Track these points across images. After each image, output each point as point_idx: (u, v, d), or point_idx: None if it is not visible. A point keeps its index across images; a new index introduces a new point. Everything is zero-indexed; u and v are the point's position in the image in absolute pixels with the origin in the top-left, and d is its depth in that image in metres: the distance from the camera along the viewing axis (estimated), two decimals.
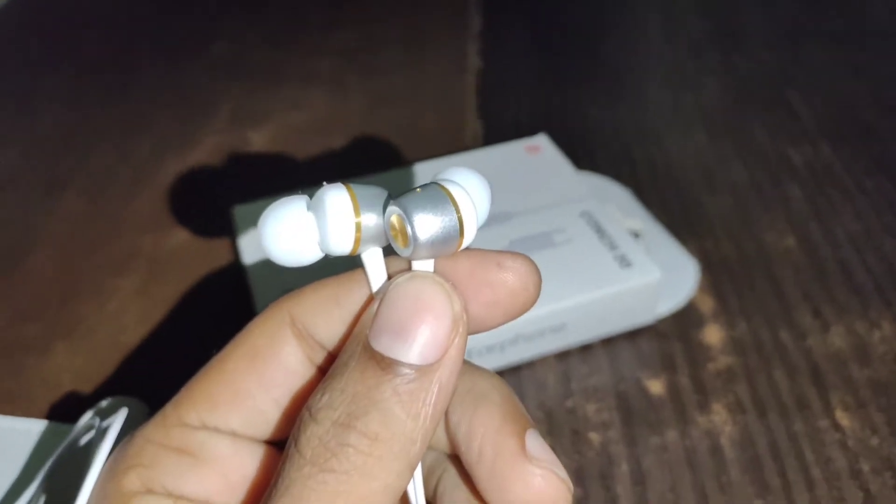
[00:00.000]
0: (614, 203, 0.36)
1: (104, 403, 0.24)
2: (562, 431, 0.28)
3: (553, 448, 0.28)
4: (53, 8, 0.62)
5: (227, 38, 0.55)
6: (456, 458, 0.18)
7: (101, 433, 0.18)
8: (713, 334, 0.32)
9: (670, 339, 0.32)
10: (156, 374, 0.31)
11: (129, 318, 0.33)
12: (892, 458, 0.27)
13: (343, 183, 0.15)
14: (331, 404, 0.14)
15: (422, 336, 0.14)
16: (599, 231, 0.32)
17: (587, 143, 0.43)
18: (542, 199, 0.34)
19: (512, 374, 0.31)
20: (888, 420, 0.29)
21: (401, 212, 0.14)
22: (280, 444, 0.17)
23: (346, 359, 0.15)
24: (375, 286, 0.16)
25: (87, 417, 0.23)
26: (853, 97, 0.46)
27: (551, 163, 0.36)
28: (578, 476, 0.27)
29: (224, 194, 0.40)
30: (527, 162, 0.36)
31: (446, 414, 0.17)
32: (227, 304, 0.34)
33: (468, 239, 0.15)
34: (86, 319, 0.33)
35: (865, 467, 0.27)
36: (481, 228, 0.15)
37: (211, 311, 0.33)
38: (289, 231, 0.14)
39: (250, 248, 0.32)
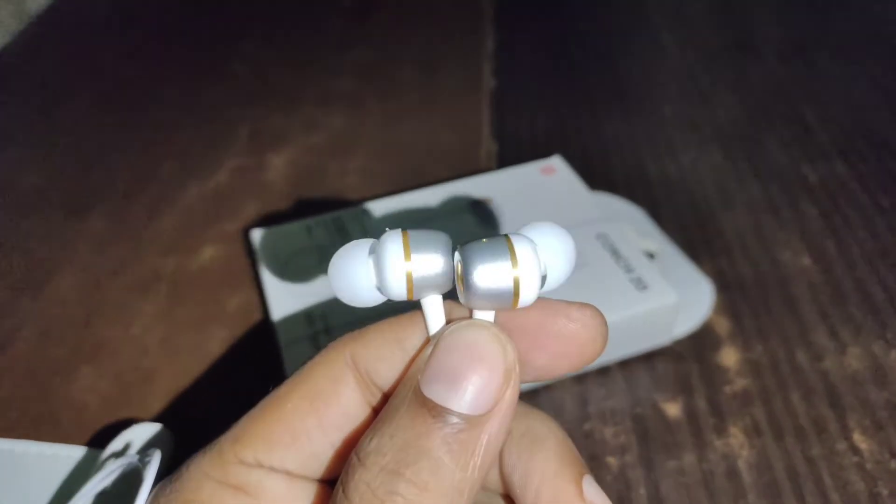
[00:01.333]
0: (629, 223, 0.37)
1: (131, 431, 0.25)
2: (580, 455, 0.29)
3: None
4: (73, 30, 0.63)
5: (245, 59, 0.56)
6: (508, 499, 0.18)
7: (136, 465, 0.19)
8: (729, 356, 0.32)
9: (687, 361, 0.32)
10: (177, 399, 0.31)
11: (151, 340, 0.34)
12: None
13: (402, 230, 0.15)
14: (379, 450, 0.14)
15: (473, 386, 0.14)
16: (615, 253, 0.32)
17: (602, 161, 0.43)
18: (557, 221, 0.34)
19: (530, 397, 0.31)
20: None
21: (460, 259, 0.14)
22: (332, 482, 0.17)
23: (397, 404, 0.15)
24: (433, 332, 0.16)
25: (116, 444, 0.23)
26: (869, 112, 0.46)
27: (566, 184, 0.36)
28: None
29: (245, 217, 0.41)
30: (542, 184, 0.37)
31: (501, 454, 0.17)
32: (247, 327, 0.34)
33: (525, 298, 0.15)
34: (110, 342, 0.34)
35: (884, 491, 0.27)
36: None
37: (232, 334, 0.34)
38: (350, 275, 0.15)
39: (270, 276, 0.33)
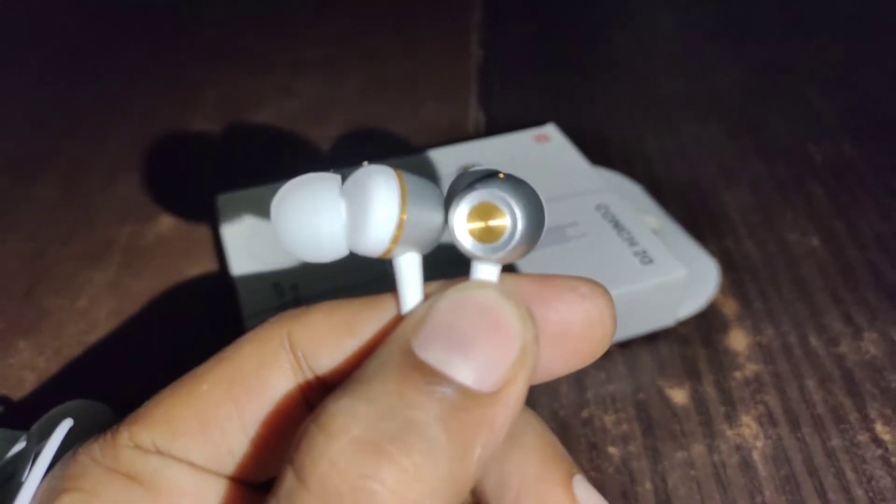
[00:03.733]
0: (627, 200, 0.34)
1: (58, 409, 0.21)
2: (578, 445, 0.26)
3: None
4: None
5: (215, 24, 0.53)
6: None
7: (35, 447, 0.15)
8: (738, 339, 0.29)
9: (692, 343, 0.29)
10: (126, 377, 0.28)
11: (99, 314, 0.30)
12: None
13: (393, 168, 0.12)
14: (353, 413, 0.11)
15: (483, 355, 0.11)
16: (617, 225, 0.29)
17: (597, 136, 0.41)
18: (553, 191, 0.31)
19: None
20: None
21: (502, 195, 0.11)
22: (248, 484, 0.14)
23: (379, 364, 0.12)
24: (407, 300, 0.13)
25: (42, 424, 0.20)
26: (874, 90, 0.44)
27: (561, 153, 0.34)
28: None
29: (209, 183, 0.37)
30: (536, 152, 0.34)
31: None
32: (207, 301, 0.31)
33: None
34: (53, 315, 0.30)
35: None
36: None
37: (189, 309, 0.31)
38: (314, 218, 0.12)
39: (234, 242, 0.30)
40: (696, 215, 0.35)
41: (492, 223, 0.12)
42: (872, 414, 0.27)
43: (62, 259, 0.33)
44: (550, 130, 0.35)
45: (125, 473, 0.13)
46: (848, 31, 0.50)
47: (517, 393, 0.12)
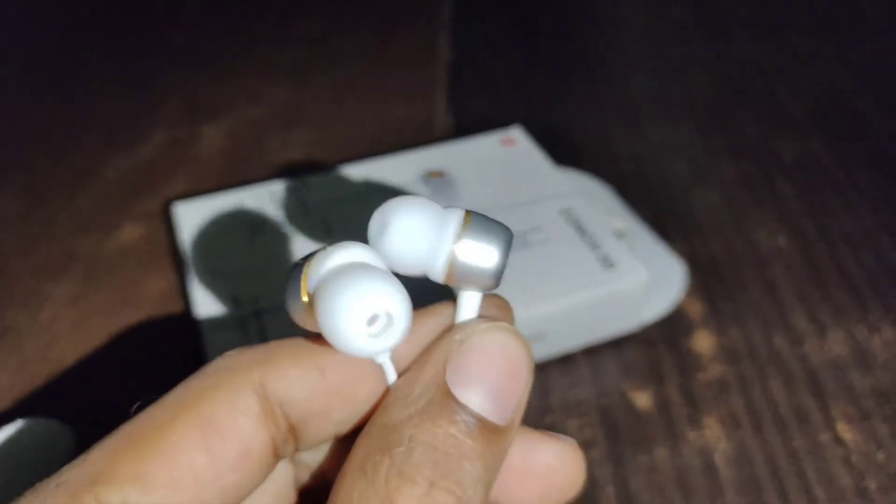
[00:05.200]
0: (595, 201, 0.34)
1: (12, 427, 0.21)
2: None
3: None
4: None
5: (182, 27, 0.52)
6: None
7: None
8: (703, 341, 0.29)
9: (657, 346, 0.29)
10: (87, 394, 0.28)
11: (61, 328, 0.30)
12: None
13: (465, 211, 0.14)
14: (419, 461, 0.12)
15: (512, 398, 0.13)
16: (580, 229, 0.29)
17: (566, 134, 0.40)
18: (517, 195, 0.31)
19: None
20: (893, 432, 0.26)
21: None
22: None
23: (420, 393, 0.13)
24: (464, 330, 0.14)
25: None
26: (842, 88, 0.44)
27: (527, 157, 0.33)
28: None
29: (172, 193, 0.37)
30: (500, 156, 0.33)
31: None
32: (168, 313, 0.30)
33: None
34: (14, 329, 0.30)
35: (872, 485, 0.25)
36: None
37: (150, 321, 0.30)
38: (422, 235, 0.13)
39: (192, 252, 0.29)
40: (664, 216, 0.35)
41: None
42: (835, 413, 0.27)
43: (23, 271, 0.33)
44: (517, 133, 0.35)
45: None
46: (818, 30, 0.50)
47: (520, 417, 0.14)
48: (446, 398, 0.13)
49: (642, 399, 0.27)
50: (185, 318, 0.30)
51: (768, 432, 0.26)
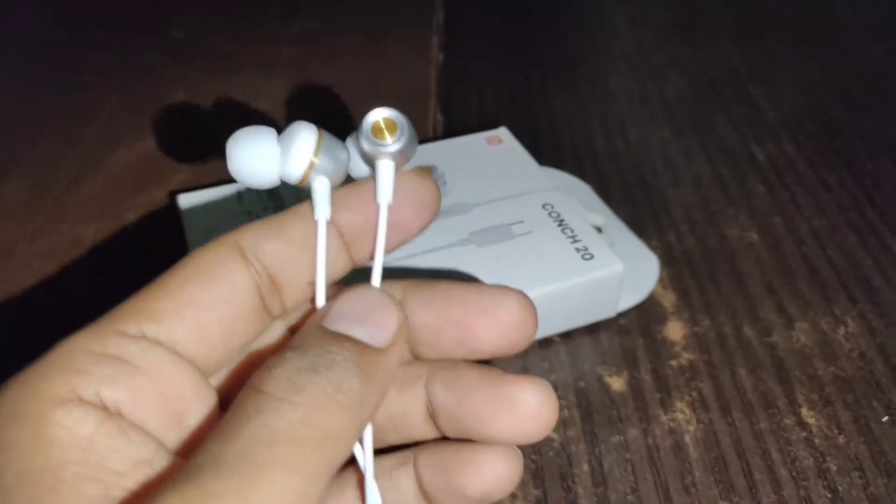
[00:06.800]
0: (576, 198, 0.35)
1: None
2: None
3: None
4: None
5: (184, 24, 0.53)
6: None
7: None
8: (675, 330, 0.31)
9: (631, 334, 0.31)
10: None
11: (67, 313, 0.31)
12: (860, 456, 0.27)
13: (316, 126, 0.17)
14: (293, 358, 0.14)
15: (374, 324, 0.16)
16: (561, 223, 0.31)
17: (550, 136, 0.42)
18: (502, 190, 0.33)
19: None
20: (854, 418, 0.28)
21: (391, 112, 0.17)
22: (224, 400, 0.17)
23: (302, 337, 0.15)
24: (320, 210, 0.17)
25: None
26: (816, 92, 0.46)
27: (512, 155, 0.35)
28: (538, 477, 0.26)
29: (175, 184, 0.38)
30: (487, 154, 0.35)
31: None
32: None
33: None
34: (16, 318, 0.31)
35: (833, 466, 0.26)
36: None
37: None
38: (257, 152, 0.16)
39: (196, 239, 0.31)
40: (640, 212, 0.37)
41: (387, 128, 0.17)
42: (800, 399, 0.29)
43: (30, 258, 0.34)
44: (502, 133, 0.36)
45: (112, 356, 0.14)
46: (798, 37, 0.52)
47: (400, 351, 0.16)
48: (320, 331, 0.15)
49: (617, 383, 0.29)
50: None
51: (736, 416, 0.28)
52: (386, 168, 0.17)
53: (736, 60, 0.49)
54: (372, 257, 0.17)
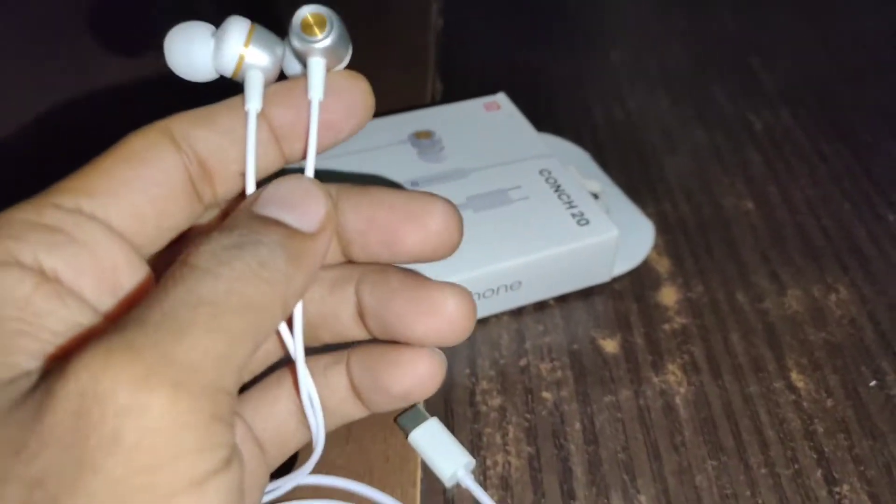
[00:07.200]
0: (573, 165, 0.36)
1: None
2: (515, 390, 0.28)
3: (506, 407, 0.28)
4: None
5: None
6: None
7: None
8: (669, 295, 0.31)
9: (625, 299, 0.31)
10: None
11: None
12: (846, 419, 0.27)
13: (250, 21, 0.17)
14: (220, 237, 0.15)
15: (303, 209, 0.16)
16: (557, 189, 0.31)
17: (548, 102, 0.42)
18: (499, 156, 0.33)
19: None
20: (842, 382, 0.28)
21: (321, 8, 0.17)
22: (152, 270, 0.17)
23: (231, 220, 0.16)
24: (251, 102, 0.17)
25: None
26: (815, 64, 0.46)
27: (510, 121, 0.35)
28: (531, 435, 0.26)
29: (122, 79, 0.38)
30: (485, 119, 0.35)
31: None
32: None
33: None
34: None
35: (820, 428, 0.27)
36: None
37: None
38: (192, 46, 0.17)
39: None
40: (637, 180, 0.37)
41: (316, 24, 0.17)
42: (790, 363, 0.29)
43: None
44: (501, 99, 0.37)
45: (49, 226, 0.15)
46: (798, 9, 0.51)
47: (326, 238, 0.16)
48: (250, 215, 0.16)
49: (610, 345, 0.29)
50: None
51: (726, 378, 0.28)
52: (316, 65, 0.17)
53: (735, 31, 0.49)
54: (303, 156, 0.18)
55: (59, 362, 0.13)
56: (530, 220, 0.30)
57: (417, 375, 0.18)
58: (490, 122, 0.35)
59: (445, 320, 0.18)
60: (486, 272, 0.28)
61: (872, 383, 0.29)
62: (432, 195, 0.18)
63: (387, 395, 0.19)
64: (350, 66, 0.20)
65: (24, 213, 0.15)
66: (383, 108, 0.39)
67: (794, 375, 0.29)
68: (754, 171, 0.38)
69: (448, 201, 0.18)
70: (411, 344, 0.18)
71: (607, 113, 0.42)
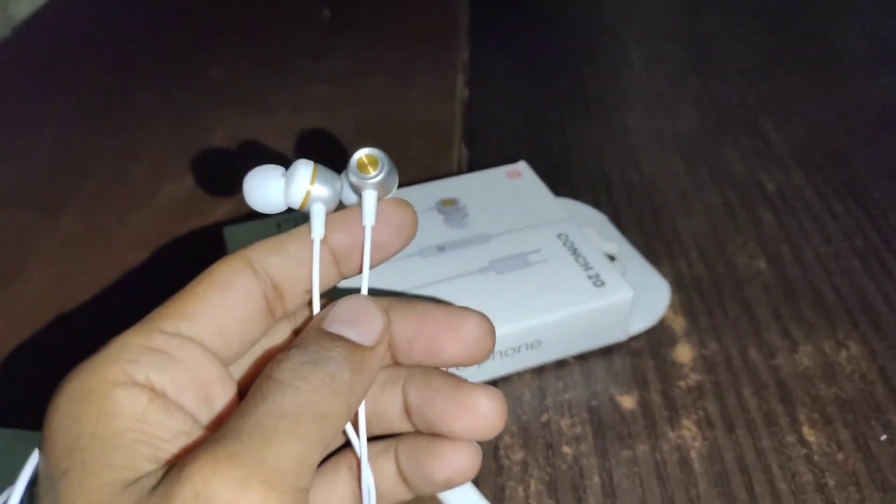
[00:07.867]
0: (591, 227, 0.38)
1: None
2: (536, 445, 0.29)
3: (528, 461, 0.29)
4: (56, 36, 0.63)
5: (221, 65, 0.57)
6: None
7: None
8: (684, 352, 0.33)
9: (642, 356, 0.33)
10: None
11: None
12: (857, 472, 0.28)
13: (313, 162, 0.20)
14: (297, 353, 0.18)
15: (363, 326, 0.19)
16: (574, 252, 0.33)
17: (568, 168, 0.44)
18: (520, 221, 0.35)
19: None
20: (853, 436, 0.30)
21: (373, 150, 0.20)
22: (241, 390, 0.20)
23: (306, 335, 0.19)
24: (315, 231, 0.20)
25: None
26: (824, 124, 0.48)
27: (530, 187, 0.37)
28: (551, 488, 0.28)
29: (218, 216, 0.41)
30: (507, 187, 0.37)
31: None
32: None
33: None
34: (77, 336, 0.34)
35: (831, 482, 0.28)
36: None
37: None
38: (266, 185, 0.20)
39: None
40: (653, 241, 0.39)
41: (369, 163, 0.20)
42: (801, 418, 0.30)
43: (84, 285, 0.37)
44: (522, 167, 0.39)
45: (156, 349, 0.18)
46: (806, 70, 0.54)
47: (383, 349, 0.19)
48: (319, 331, 0.19)
49: (627, 402, 0.31)
50: None
51: (740, 433, 0.30)
52: (369, 197, 0.20)
53: (746, 94, 0.51)
54: (358, 272, 0.21)
55: (174, 468, 0.16)
56: (549, 282, 0.32)
57: (457, 466, 0.21)
58: (511, 189, 0.37)
59: (480, 418, 0.20)
60: (507, 332, 0.30)
61: (883, 437, 0.30)
62: (469, 309, 0.21)
63: (430, 482, 0.21)
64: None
65: (136, 337, 0.18)
66: (413, 177, 0.42)
67: (805, 430, 0.30)
68: (767, 230, 0.40)
69: (482, 314, 0.21)
70: (451, 437, 0.21)
71: (624, 176, 0.44)
